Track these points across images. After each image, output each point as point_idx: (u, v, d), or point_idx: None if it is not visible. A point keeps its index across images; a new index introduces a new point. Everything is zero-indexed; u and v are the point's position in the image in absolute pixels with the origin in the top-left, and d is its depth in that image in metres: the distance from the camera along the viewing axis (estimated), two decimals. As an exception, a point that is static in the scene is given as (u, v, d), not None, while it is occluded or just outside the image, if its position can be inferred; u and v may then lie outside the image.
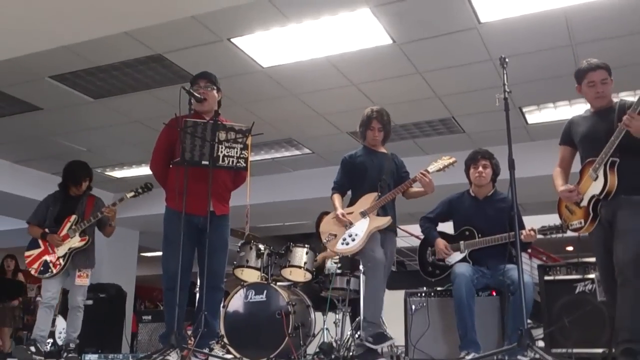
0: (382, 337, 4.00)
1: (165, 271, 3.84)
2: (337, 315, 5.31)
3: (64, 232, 5.07)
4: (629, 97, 6.27)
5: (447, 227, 4.79)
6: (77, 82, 6.10)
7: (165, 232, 3.95)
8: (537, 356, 2.91)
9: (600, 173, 3.37)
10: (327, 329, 5.36)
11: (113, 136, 7.64)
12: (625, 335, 3.13)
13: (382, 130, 4.51)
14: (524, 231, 4.23)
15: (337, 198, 4.50)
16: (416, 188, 4.39)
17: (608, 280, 3.41)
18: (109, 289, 6.63)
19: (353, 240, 4.22)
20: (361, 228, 4.26)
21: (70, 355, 4.96)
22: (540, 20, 4.85)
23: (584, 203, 3.45)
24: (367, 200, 4.34)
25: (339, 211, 4.32)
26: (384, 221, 4.28)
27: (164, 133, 4.08)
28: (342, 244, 4.26)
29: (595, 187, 3.40)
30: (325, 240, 4.30)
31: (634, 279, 3.14)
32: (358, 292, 5.22)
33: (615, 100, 3.58)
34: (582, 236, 3.81)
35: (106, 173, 9.10)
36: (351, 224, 4.24)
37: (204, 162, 3.71)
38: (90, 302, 5.94)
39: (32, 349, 4.86)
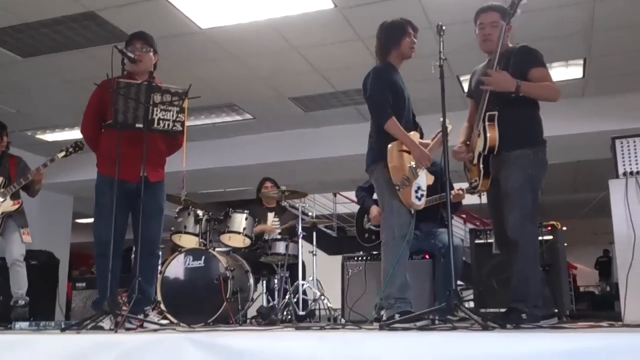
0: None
1: (97, 238, 3.76)
2: (275, 280, 5.36)
3: None
4: (560, 67, 6.53)
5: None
6: (5, 40, 5.79)
7: (96, 198, 3.85)
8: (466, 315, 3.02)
9: (481, 128, 3.27)
10: (266, 293, 5.41)
11: (44, 97, 7.32)
12: (512, 295, 3.21)
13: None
14: (452, 191, 4.33)
15: (397, 124, 3.45)
16: None
17: (500, 235, 3.40)
18: (39, 256, 6.43)
19: (421, 196, 3.51)
20: (423, 182, 3.56)
21: (20, 310, 4.85)
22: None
23: (475, 160, 3.36)
24: (415, 140, 3.55)
25: (418, 142, 3.43)
26: (431, 180, 3.66)
27: (96, 94, 3.95)
28: (417, 197, 3.47)
29: (479, 144, 3.30)
30: (398, 184, 3.39)
31: (519, 241, 3.17)
32: (296, 257, 5.29)
33: (512, 45, 3.44)
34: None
35: (37, 136, 8.75)
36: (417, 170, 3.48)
37: (137, 125, 3.61)
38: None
39: None
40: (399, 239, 3.34)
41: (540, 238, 4.35)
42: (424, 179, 3.54)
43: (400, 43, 3.62)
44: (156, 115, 3.64)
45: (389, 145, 3.43)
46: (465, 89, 6.97)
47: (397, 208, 3.41)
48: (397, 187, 3.39)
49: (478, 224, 10.83)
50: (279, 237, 5.51)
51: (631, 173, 3.58)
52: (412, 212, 3.48)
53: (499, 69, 3.26)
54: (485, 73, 3.24)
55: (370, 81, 3.57)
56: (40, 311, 5.92)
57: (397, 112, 3.47)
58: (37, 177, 4.87)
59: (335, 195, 12.97)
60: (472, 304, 4.72)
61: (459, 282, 5.88)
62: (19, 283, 4.95)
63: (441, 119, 3.71)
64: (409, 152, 3.44)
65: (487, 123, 3.23)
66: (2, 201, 4.89)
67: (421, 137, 3.67)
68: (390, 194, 3.42)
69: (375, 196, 4.91)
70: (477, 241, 4.77)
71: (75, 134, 8.43)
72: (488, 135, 3.22)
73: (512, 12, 3.16)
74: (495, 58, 3.24)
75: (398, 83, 3.60)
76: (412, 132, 3.56)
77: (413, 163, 3.45)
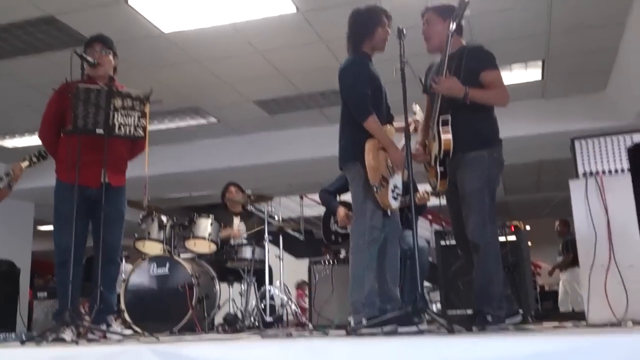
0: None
1: (57, 246, 3.68)
2: (242, 286, 5.32)
3: None
4: (519, 69, 6.63)
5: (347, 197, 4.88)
6: (-39, 44, 5.64)
7: (55, 206, 3.77)
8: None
9: (435, 132, 3.27)
10: (233, 299, 5.36)
11: (3, 103, 7.14)
12: (476, 297, 3.21)
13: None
14: (418, 193, 4.34)
15: (377, 121, 3.35)
16: None
17: (460, 237, 3.40)
18: (0, 265, 6.29)
19: (397, 196, 3.42)
20: (399, 180, 3.44)
21: None
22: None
23: (432, 163, 3.34)
24: (390, 136, 3.45)
25: (392, 142, 3.33)
26: (405, 177, 3.49)
27: (54, 99, 3.86)
28: (393, 197, 3.39)
29: (435, 147, 3.30)
30: (376, 186, 3.28)
31: (480, 242, 3.17)
32: (263, 262, 5.25)
33: (465, 44, 3.44)
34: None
35: (-4, 142, 8.53)
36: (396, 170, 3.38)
37: (98, 131, 3.53)
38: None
39: None
40: (369, 243, 3.27)
41: (503, 239, 4.41)
42: (399, 178, 3.46)
43: (374, 33, 3.48)
44: (117, 120, 3.58)
45: (367, 144, 3.31)
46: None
47: (371, 210, 3.31)
48: (375, 188, 3.27)
49: (444, 224, 10.94)
50: (245, 242, 5.46)
51: (591, 173, 3.65)
52: (388, 212, 3.42)
53: (451, 70, 3.26)
54: (434, 80, 3.24)
55: (350, 75, 3.43)
56: (0, 322, 5.78)
57: (375, 107, 3.37)
58: (20, 172, 4.67)
59: (302, 197, 12.94)
60: (440, 306, 4.75)
61: (426, 284, 5.94)
62: None
63: (414, 106, 3.72)
64: (385, 150, 3.37)
65: (441, 127, 3.24)
66: None
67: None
68: (365, 195, 3.32)
69: (340, 197, 4.92)
70: (442, 243, 4.80)
71: (35, 139, 8.24)
72: (442, 139, 3.22)
73: (458, 20, 3.20)
74: (444, 63, 3.24)
75: (376, 76, 3.48)
76: (387, 126, 3.47)
77: (389, 162, 3.38)
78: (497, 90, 3.30)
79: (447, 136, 3.21)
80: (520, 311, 3.36)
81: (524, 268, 4.53)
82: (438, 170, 3.29)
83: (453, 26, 3.22)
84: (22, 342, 3.19)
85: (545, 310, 8.74)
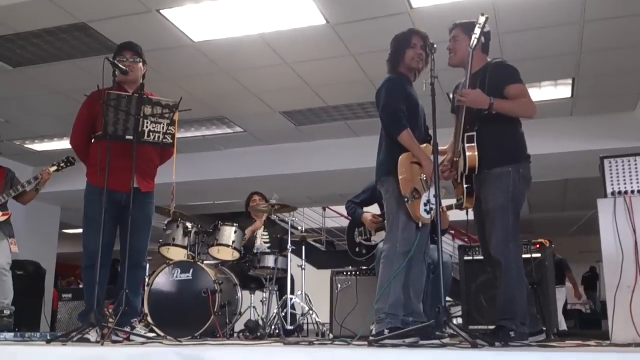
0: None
1: (85, 248, 3.74)
2: (264, 294, 5.34)
3: None
4: (549, 86, 6.60)
5: (373, 208, 4.89)
6: (-4, 49, 5.79)
7: (85, 209, 3.83)
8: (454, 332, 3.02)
9: (460, 149, 3.27)
10: (254, 307, 5.38)
11: (33, 107, 7.29)
12: (499, 313, 3.20)
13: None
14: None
15: (411, 135, 3.37)
16: None
17: (487, 254, 3.39)
18: (26, 266, 6.40)
19: (430, 210, 3.40)
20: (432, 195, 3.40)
21: (5, 320, 4.80)
22: (469, 8, 4.93)
23: (459, 179, 3.35)
24: (427, 153, 3.44)
25: (426, 156, 3.32)
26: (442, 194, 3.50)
27: (85, 105, 3.94)
28: (425, 211, 3.40)
29: (461, 164, 3.30)
30: (407, 196, 3.30)
31: (502, 259, 3.17)
32: (285, 270, 5.27)
33: (489, 60, 3.45)
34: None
35: (25, 145, 8.69)
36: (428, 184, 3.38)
37: (127, 137, 3.60)
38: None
39: None
40: (399, 254, 3.28)
41: (528, 255, 4.37)
42: (433, 193, 3.41)
43: (403, 56, 3.57)
44: (146, 127, 3.64)
45: (400, 156, 3.36)
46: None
47: (403, 222, 3.34)
48: (406, 199, 3.29)
49: (466, 240, 10.85)
50: (267, 250, 5.49)
51: (619, 192, 3.60)
52: (420, 224, 3.41)
53: (475, 86, 3.27)
54: (458, 94, 3.26)
55: (384, 92, 3.50)
56: (25, 321, 5.88)
57: (410, 124, 3.40)
58: (47, 176, 4.84)
59: (324, 209, 12.97)
60: (460, 321, 4.71)
61: (448, 298, 5.90)
62: (5, 292, 4.91)
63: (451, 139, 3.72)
64: (420, 165, 3.39)
65: (465, 144, 3.24)
66: None
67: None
68: (397, 207, 3.36)
69: (365, 208, 4.93)
70: (465, 258, 4.77)
71: (64, 143, 8.40)
72: (467, 155, 3.22)
73: (477, 36, 3.21)
74: (467, 77, 3.25)
75: (411, 94, 3.54)
76: (424, 145, 3.48)
77: (424, 176, 3.39)
78: (524, 100, 3.30)
79: (472, 152, 3.21)
80: (544, 329, 3.32)
81: (548, 286, 4.48)
82: (464, 188, 3.29)
83: (473, 41, 3.23)
84: (48, 341, 3.24)
85: (568, 328, 8.61)
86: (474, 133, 3.23)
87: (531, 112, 3.29)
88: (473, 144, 3.22)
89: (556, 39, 5.51)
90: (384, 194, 3.48)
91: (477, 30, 3.22)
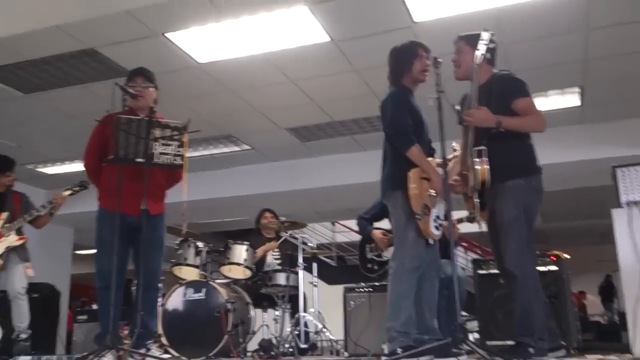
0: None
1: (99, 271, 3.76)
2: (276, 312, 5.33)
3: None
4: (557, 95, 6.58)
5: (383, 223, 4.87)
6: (7, 76, 5.86)
7: (97, 232, 3.86)
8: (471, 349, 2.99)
9: (471, 164, 3.26)
10: (267, 325, 5.37)
11: (45, 132, 7.37)
12: (517, 328, 3.15)
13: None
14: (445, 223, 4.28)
15: (420, 150, 3.38)
16: None
17: (502, 267, 3.35)
18: (41, 289, 6.42)
19: (440, 226, 3.42)
20: (442, 211, 3.43)
21: (22, 344, 4.81)
22: (472, 21, 4.94)
23: (470, 193, 3.33)
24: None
25: (435, 171, 3.33)
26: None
27: (97, 130, 3.98)
28: (435, 227, 3.40)
29: (472, 178, 3.27)
30: (418, 214, 3.29)
31: (518, 272, 3.14)
32: (297, 288, 5.26)
33: (495, 72, 3.43)
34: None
35: (37, 169, 8.77)
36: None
37: (138, 160, 3.63)
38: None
39: None
40: (408, 271, 3.25)
41: (544, 268, 4.31)
42: (442, 207, 3.43)
43: (411, 67, 3.55)
44: (156, 149, 3.67)
45: (410, 172, 3.32)
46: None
47: (412, 239, 3.29)
48: (418, 217, 3.25)
49: (479, 252, 10.77)
50: (279, 267, 5.49)
51: (635, 203, 3.56)
52: (431, 242, 3.40)
53: (482, 100, 3.25)
54: (466, 113, 3.23)
55: (390, 107, 3.47)
56: (41, 344, 5.88)
57: (416, 138, 3.40)
58: (61, 201, 4.89)
59: (333, 224, 12.94)
60: (477, 336, 4.65)
61: (463, 313, 5.86)
62: (21, 317, 4.93)
63: (454, 144, 3.74)
64: (428, 180, 3.37)
65: (476, 159, 3.22)
66: (7, 236, 4.92)
67: None
68: (407, 223, 3.32)
69: (376, 224, 4.91)
70: (480, 271, 4.70)
71: (75, 166, 8.47)
72: (478, 170, 3.20)
73: (482, 51, 3.21)
74: (473, 91, 3.23)
75: (416, 108, 3.53)
76: (430, 159, 3.49)
77: (432, 191, 3.37)
78: (532, 116, 3.28)
79: (483, 167, 3.19)
80: (564, 343, 3.28)
81: (566, 298, 4.41)
82: (476, 202, 3.27)
83: (478, 56, 3.22)
84: (64, 366, 3.25)
85: (587, 341, 8.49)
86: (484, 147, 3.21)
87: (540, 127, 3.28)
88: (483, 158, 3.20)
89: (562, 47, 5.50)
90: (391, 209, 3.44)
91: (483, 47, 3.22)
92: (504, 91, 3.29)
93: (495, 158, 3.21)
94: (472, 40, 3.36)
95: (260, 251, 5.64)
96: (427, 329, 3.35)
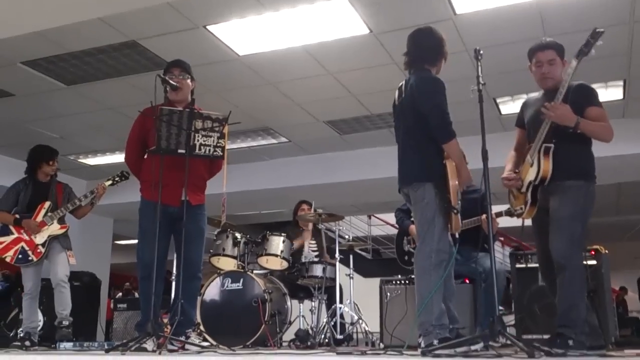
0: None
1: (140, 260, 3.84)
2: (313, 303, 5.37)
3: (39, 218, 5.04)
4: (600, 88, 6.44)
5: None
6: (50, 68, 6.00)
7: (140, 222, 3.94)
8: (508, 342, 2.98)
9: (535, 159, 3.31)
10: (303, 316, 5.42)
11: (86, 123, 7.54)
12: (558, 320, 3.17)
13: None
14: (484, 216, 4.26)
15: (458, 144, 3.38)
16: None
17: (545, 265, 3.40)
18: (82, 277, 6.59)
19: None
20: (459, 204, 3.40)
21: (64, 330, 4.96)
22: (514, 13, 4.90)
23: (524, 189, 3.39)
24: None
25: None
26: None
27: (138, 122, 4.06)
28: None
29: (531, 173, 3.33)
30: (457, 208, 3.24)
31: (567, 266, 3.16)
32: (334, 279, 5.29)
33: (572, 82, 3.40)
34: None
35: (79, 160, 8.99)
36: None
37: (180, 151, 3.69)
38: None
39: (27, 343, 4.90)
40: (436, 265, 3.23)
41: (584, 263, 4.25)
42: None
43: (442, 60, 3.51)
44: (198, 141, 3.73)
45: (448, 164, 3.24)
46: (502, 111, 7.00)
47: (439, 232, 3.25)
48: (456, 211, 3.19)
49: (518, 246, 10.65)
50: (315, 259, 5.52)
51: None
52: (456, 235, 3.41)
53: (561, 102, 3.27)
54: (545, 106, 3.22)
55: (434, 93, 3.32)
56: (82, 331, 6.05)
57: None
58: (102, 191, 5.03)
59: (369, 217, 12.93)
60: (513, 329, 4.62)
61: (499, 307, 5.81)
62: (63, 304, 5.06)
63: None
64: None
65: (542, 155, 3.26)
66: (50, 224, 5.05)
67: None
68: (434, 217, 3.25)
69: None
70: (517, 265, 4.67)
71: (116, 158, 8.65)
72: (542, 166, 3.25)
73: (587, 50, 3.23)
74: (561, 93, 3.24)
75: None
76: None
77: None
78: (605, 125, 3.33)
79: (547, 164, 3.24)
80: (604, 343, 3.25)
81: (605, 293, 4.35)
82: (529, 197, 3.33)
83: (574, 63, 3.24)
84: (107, 351, 3.34)
85: (623, 337, 8.32)
86: (552, 145, 3.26)
87: (610, 137, 3.34)
88: (549, 156, 3.25)
89: (605, 40, 5.36)
90: (419, 201, 3.32)
91: (593, 51, 3.25)
92: (580, 99, 3.32)
93: (559, 158, 3.26)
94: (562, 51, 3.46)
95: (296, 243, 5.65)
96: (452, 318, 3.39)
